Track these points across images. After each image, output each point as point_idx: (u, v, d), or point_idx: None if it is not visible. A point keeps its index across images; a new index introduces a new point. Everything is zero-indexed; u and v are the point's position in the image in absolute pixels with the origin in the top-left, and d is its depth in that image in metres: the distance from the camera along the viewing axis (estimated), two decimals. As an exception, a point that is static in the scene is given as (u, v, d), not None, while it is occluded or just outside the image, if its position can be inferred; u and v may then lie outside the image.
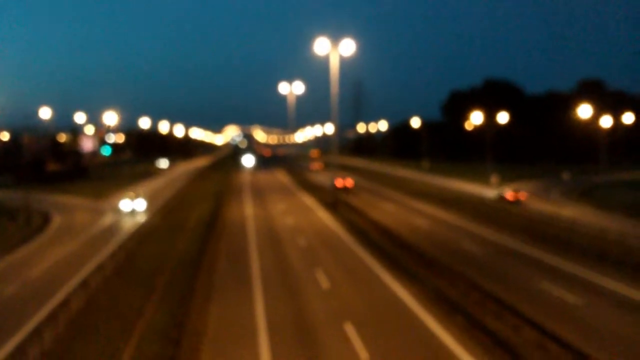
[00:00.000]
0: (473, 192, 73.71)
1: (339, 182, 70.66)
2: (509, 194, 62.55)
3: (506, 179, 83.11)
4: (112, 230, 46.49)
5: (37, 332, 20.03)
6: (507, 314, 21.95)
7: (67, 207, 60.87)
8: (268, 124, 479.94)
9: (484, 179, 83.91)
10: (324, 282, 28.47)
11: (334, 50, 59.19)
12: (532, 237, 40.20)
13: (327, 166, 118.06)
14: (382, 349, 19.67)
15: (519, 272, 30.71)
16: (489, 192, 69.97)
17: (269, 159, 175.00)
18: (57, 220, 51.61)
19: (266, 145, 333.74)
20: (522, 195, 62.68)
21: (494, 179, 78.97)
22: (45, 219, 51.81)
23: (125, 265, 32.64)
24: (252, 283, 28.63)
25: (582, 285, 27.87)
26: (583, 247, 35.29)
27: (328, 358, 19.09)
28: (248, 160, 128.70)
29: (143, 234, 42.40)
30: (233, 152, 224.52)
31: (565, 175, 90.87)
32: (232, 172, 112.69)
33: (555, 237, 38.83)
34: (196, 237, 40.34)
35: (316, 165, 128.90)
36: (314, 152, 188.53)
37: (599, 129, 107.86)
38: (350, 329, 21.42)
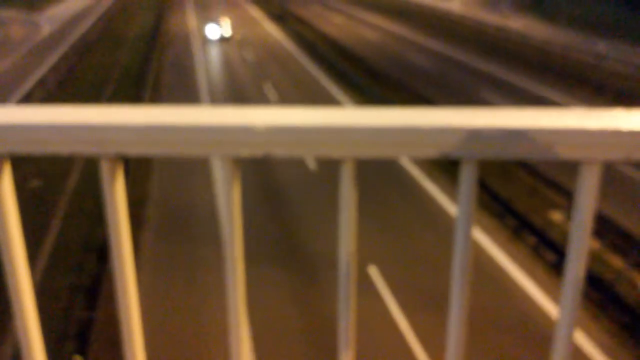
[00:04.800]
0: (424, 2, 72.25)
1: None
2: None
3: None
4: (50, 42, 44.45)
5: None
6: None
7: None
8: None
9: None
10: (272, 95, 28.61)
11: None
12: (478, 48, 40.51)
13: None
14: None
15: (463, 82, 31.37)
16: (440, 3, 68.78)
17: None
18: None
19: None
20: None
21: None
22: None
23: (67, 79, 31.82)
24: (200, 98, 28.54)
25: (524, 95, 28.84)
26: (527, 59, 35.96)
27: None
28: (212, 32, 52.50)
29: (83, 45, 40.81)
30: None
31: None
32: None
33: (501, 50, 39.27)
34: (139, 50, 39.15)
35: None
36: None
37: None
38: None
